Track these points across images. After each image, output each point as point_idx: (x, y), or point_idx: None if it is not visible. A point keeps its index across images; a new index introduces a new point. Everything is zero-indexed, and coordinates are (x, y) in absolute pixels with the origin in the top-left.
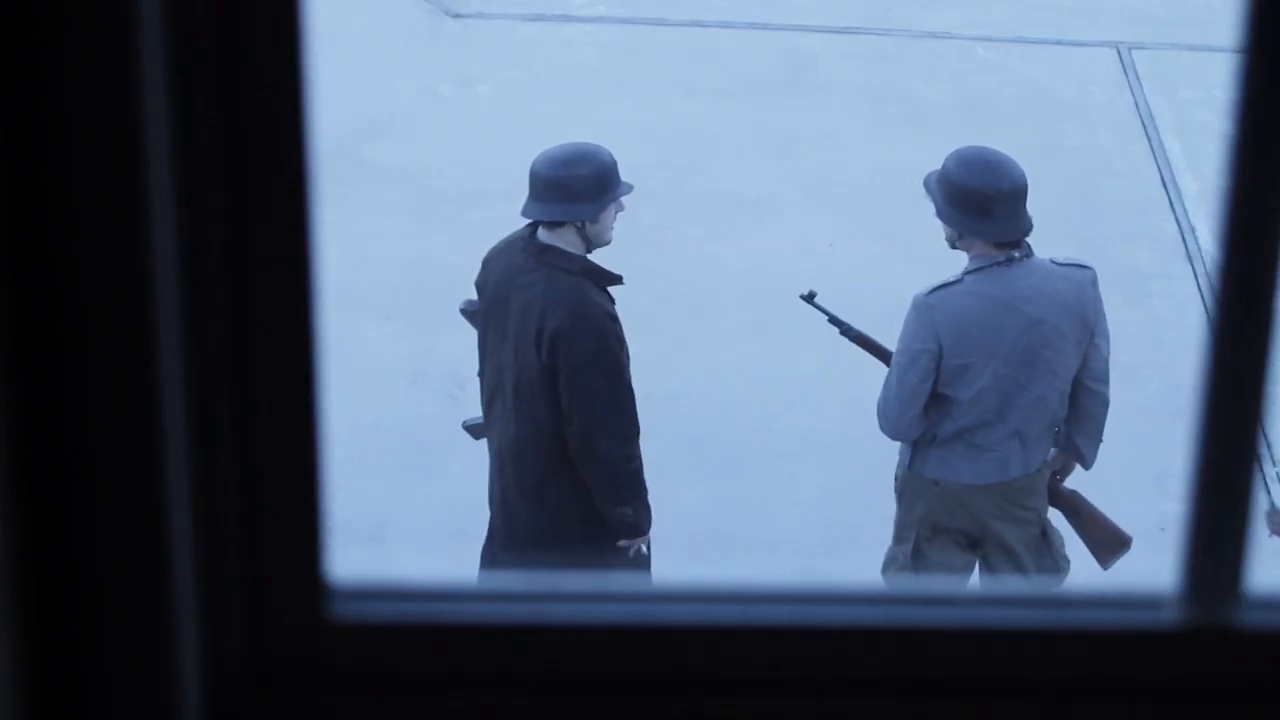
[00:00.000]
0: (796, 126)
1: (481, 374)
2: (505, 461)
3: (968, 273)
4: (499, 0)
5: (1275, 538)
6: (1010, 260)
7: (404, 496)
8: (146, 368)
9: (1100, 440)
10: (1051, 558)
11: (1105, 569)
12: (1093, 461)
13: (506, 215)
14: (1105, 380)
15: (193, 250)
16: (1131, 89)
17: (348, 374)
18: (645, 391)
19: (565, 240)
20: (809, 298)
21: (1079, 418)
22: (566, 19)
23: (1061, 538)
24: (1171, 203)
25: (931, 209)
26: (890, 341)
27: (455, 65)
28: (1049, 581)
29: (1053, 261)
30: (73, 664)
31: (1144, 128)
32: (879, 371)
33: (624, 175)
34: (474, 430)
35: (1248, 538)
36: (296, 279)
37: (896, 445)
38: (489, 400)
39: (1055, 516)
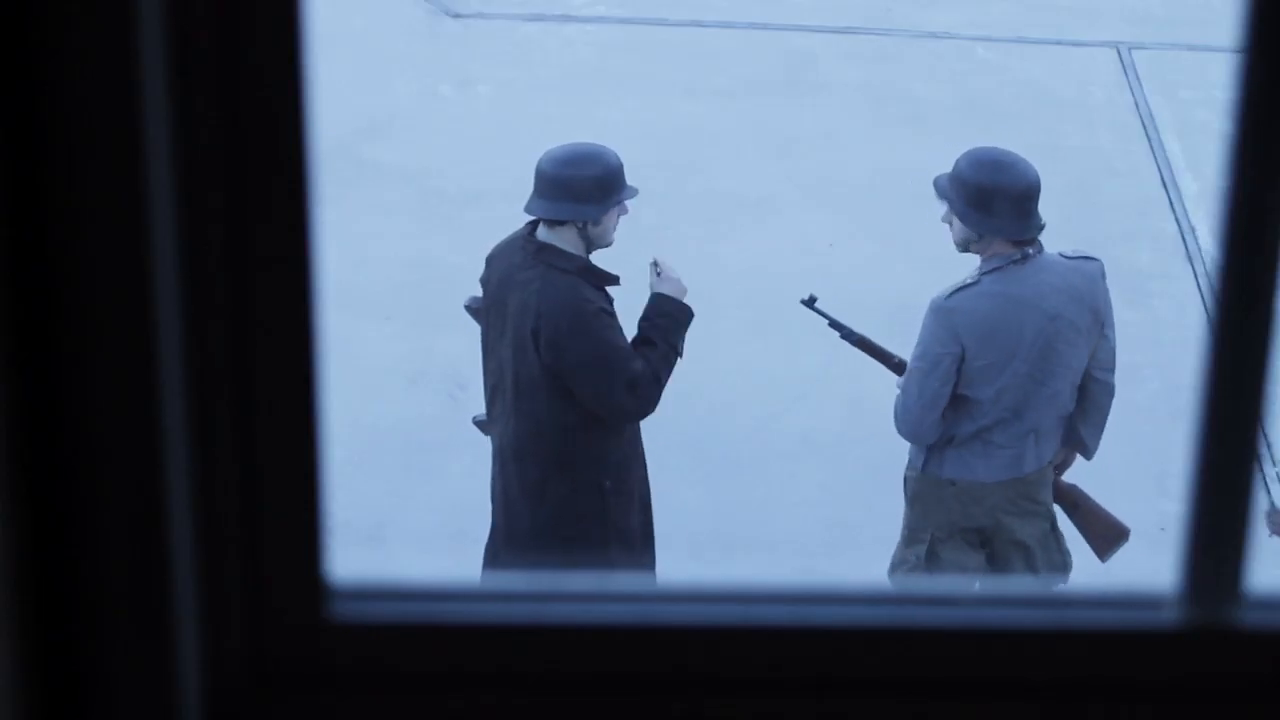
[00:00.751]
0: (796, 126)
1: (484, 373)
2: (506, 459)
3: (984, 273)
4: (499, 0)
5: (1275, 538)
6: (1025, 257)
7: (404, 496)
8: (146, 368)
9: (1103, 429)
10: (1060, 552)
11: (1104, 561)
12: (1095, 451)
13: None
14: (1112, 369)
15: (193, 250)
16: (1131, 89)
17: (348, 374)
18: None
19: (565, 239)
20: (809, 302)
21: (1085, 408)
22: (566, 19)
23: (1061, 533)
24: (1171, 203)
25: (936, 211)
26: (891, 344)
27: (455, 65)
28: (1052, 580)
29: (1061, 255)
30: (73, 664)
31: (1144, 128)
32: (879, 372)
33: (625, 175)
34: (483, 426)
35: (1248, 538)
36: (296, 279)
37: (896, 445)
38: (490, 398)
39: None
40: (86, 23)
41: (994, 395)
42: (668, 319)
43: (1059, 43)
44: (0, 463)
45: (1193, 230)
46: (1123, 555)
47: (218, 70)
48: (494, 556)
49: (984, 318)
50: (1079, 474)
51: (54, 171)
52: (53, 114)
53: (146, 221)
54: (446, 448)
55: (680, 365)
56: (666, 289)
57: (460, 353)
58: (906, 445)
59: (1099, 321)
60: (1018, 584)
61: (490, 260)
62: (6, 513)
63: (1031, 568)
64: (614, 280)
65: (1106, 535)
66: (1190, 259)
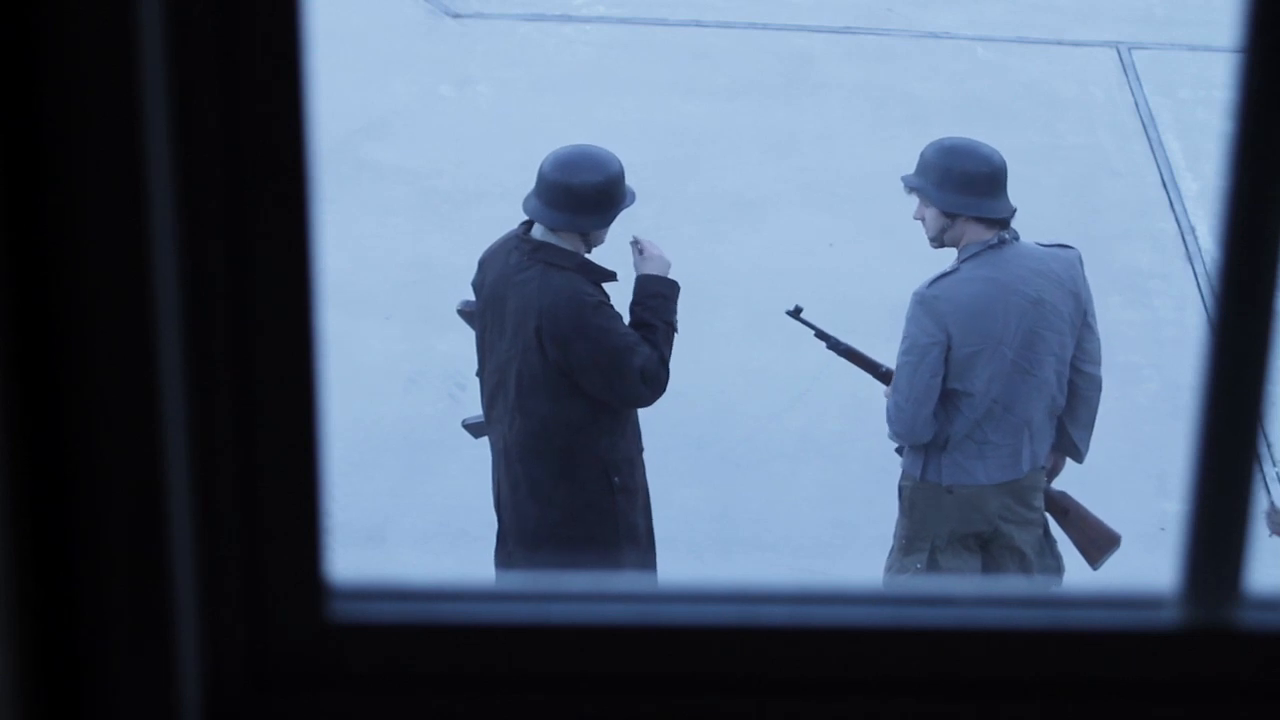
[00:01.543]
0: (796, 126)
1: (481, 374)
2: (511, 460)
3: (963, 260)
4: (499, 0)
5: (1275, 538)
6: (1002, 242)
7: (404, 496)
8: (146, 368)
9: (1092, 428)
10: (1053, 557)
11: (1095, 568)
12: (1085, 454)
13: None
14: (1099, 362)
15: (193, 250)
16: (1131, 89)
17: (348, 374)
18: None
19: (563, 237)
20: (795, 313)
21: (1073, 405)
22: (566, 19)
23: (1054, 538)
24: (1171, 203)
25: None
26: (891, 344)
27: (455, 65)
28: (1049, 581)
29: (1038, 244)
30: (73, 664)
31: (1144, 128)
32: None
33: (625, 181)
34: (474, 429)
35: (1248, 538)
36: (296, 279)
37: (893, 445)
38: (490, 399)
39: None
40: (86, 23)
41: (983, 386)
42: (659, 299)
43: (1059, 43)
44: (0, 463)
45: (1193, 230)
46: (1123, 555)
47: (218, 70)
48: (507, 559)
49: (967, 303)
50: (1079, 473)
51: (54, 172)
52: (53, 114)
53: (146, 222)
54: (446, 448)
55: (680, 365)
56: (651, 268)
57: (460, 353)
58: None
59: (1081, 309)
60: (1018, 584)
61: (483, 263)
62: (6, 513)
63: (1026, 572)
64: (611, 276)
65: (1098, 542)
66: (1190, 259)
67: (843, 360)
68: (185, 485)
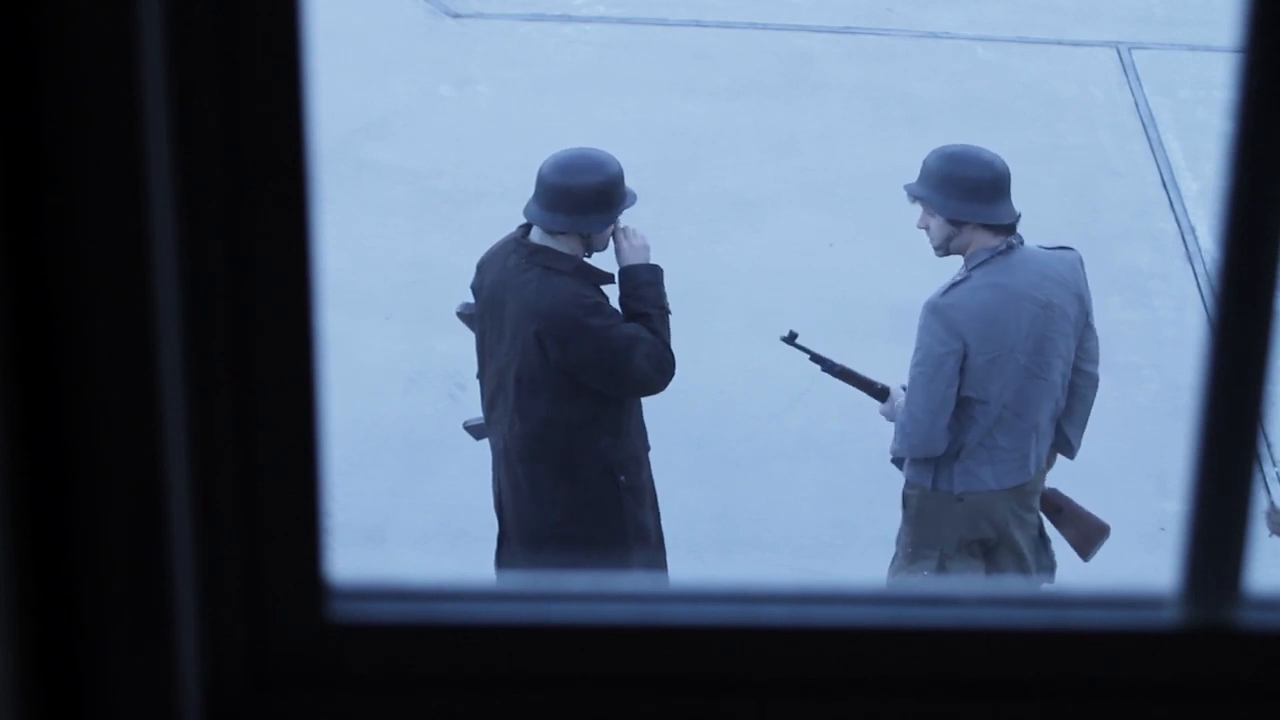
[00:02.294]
0: (796, 126)
1: (481, 377)
2: (511, 461)
3: (973, 268)
4: (499, 0)
5: (1275, 538)
6: (1010, 247)
7: (404, 496)
8: (146, 368)
9: (1086, 425)
10: (1047, 555)
11: (1087, 560)
12: (1078, 449)
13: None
14: (1098, 361)
15: (193, 250)
16: (1131, 89)
17: (348, 374)
18: None
19: (561, 241)
20: (790, 339)
21: (1071, 403)
22: (566, 19)
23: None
24: (1171, 203)
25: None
26: (891, 343)
27: (455, 65)
28: (1042, 580)
29: (1040, 247)
30: (73, 664)
31: (1144, 128)
32: (878, 371)
33: (624, 183)
34: (475, 431)
35: (1248, 538)
36: (296, 279)
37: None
38: (490, 402)
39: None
40: (86, 23)
41: (997, 393)
42: (647, 286)
43: (1059, 43)
44: (0, 463)
45: (1193, 230)
46: (1123, 555)
47: (218, 70)
48: (508, 561)
49: (982, 311)
50: (1080, 473)
51: (54, 172)
52: (53, 114)
53: (146, 222)
54: (446, 448)
55: (680, 365)
56: (632, 258)
57: (460, 353)
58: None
59: (1084, 310)
60: (1018, 584)
61: (481, 266)
62: (6, 513)
63: (1024, 572)
64: (609, 279)
65: (1090, 535)
66: (1190, 259)
67: (845, 361)
68: (185, 485)
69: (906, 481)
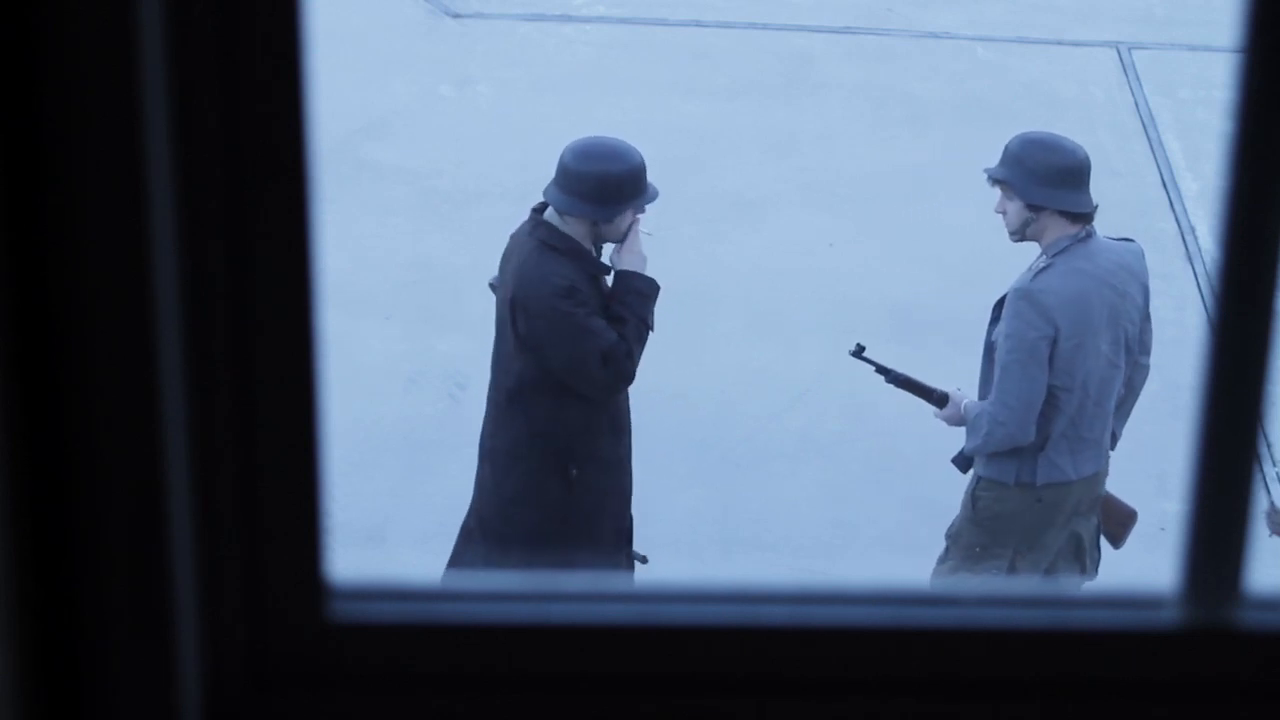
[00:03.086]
0: (796, 126)
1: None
2: (484, 432)
3: (1053, 256)
4: (499, 0)
5: (1275, 538)
6: (1088, 235)
7: (404, 496)
8: (146, 368)
9: (1129, 417)
10: (1098, 548)
11: (1119, 548)
12: (1119, 440)
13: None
14: (1150, 352)
15: (193, 250)
16: (1131, 89)
17: (348, 374)
18: (645, 391)
19: (569, 223)
20: (858, 353)
21: (1124, 394)
22: (566, 19)
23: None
24: (1171, 203)
25: (936, 210)
26: (890, 343)
27: (455, 65)
28: (1085, 577)
29: (1108, 238)
30: (73, 664)
31: (1144, 128)
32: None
33: (645, 178)
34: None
35: (1248, 538)
36: (296, 279)
37: (896, 445)
38: (487, 394)
39: None
40: (86, 23)
41: (1080, 381)
42: (637, 295)
43: (1059, 43)
44: (0, 463)
45: (1193, 230)
46: (1123, 555)
47: (218, 70)
48: (467, 534)
49: (1072, 296)
50: None
51: (54, 172)
52: (53, 114)
53: (146, 222)
54: (446, 448)
55: (680, 365)
56: (631, 264)
57: (460, 352)
58: (907, 445)
59: (1147, 301)
60: (1017, 584)
61: (507, 253)
62: (6, 513)
63: (1081, 563)
64: (605, 270)
65: (1124, 521)
66: (1190, 259)
67: (842, 361)
68: (185, 485)
69: (979, 480)
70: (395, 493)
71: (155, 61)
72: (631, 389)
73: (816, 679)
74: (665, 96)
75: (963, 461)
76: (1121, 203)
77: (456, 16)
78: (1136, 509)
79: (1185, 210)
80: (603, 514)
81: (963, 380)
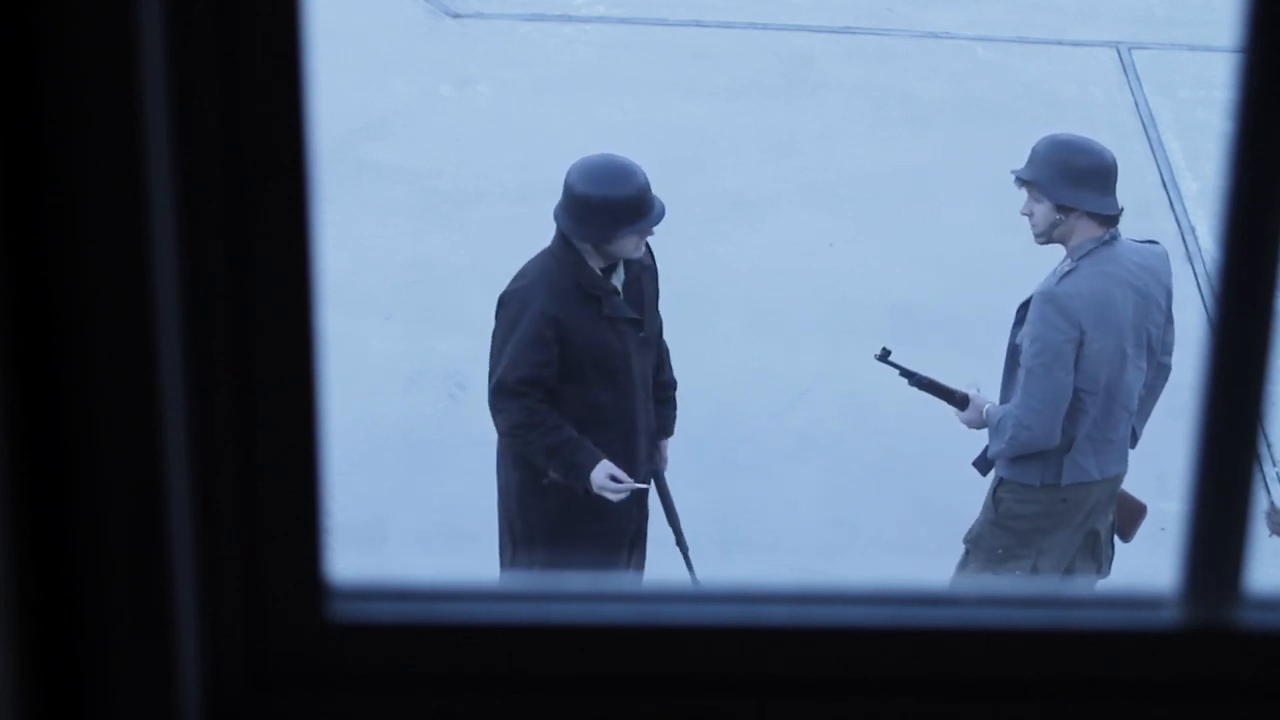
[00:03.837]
0: (796, 126)
1: None
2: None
3: (1079, 258)
4: (499, 0)
5: (1275, 538)
6: (1113, 238)
7: (404, 496)
8: (146, 368)
9: (1149, 416)
10: (1111, 544)
11: (1128, 541)
12: (1139, 439)
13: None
14: (1172, 352)
15: (193, 250)
16: (1131, 89)
17: (348, 374)
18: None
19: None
20: (883, 356)
21: (1144, 394)
22: (566, 19)
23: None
24: (1171, 203)
25: (937, 210)
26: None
27: (455, 65)
28: (1098, 575)
29: (1132, 240)
30: (73, 664)
31: (1144, 128)
32: (879, 371)
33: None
34: None
35: (1248, 538)
36: (296, 279)
37: (896, 445)
38: None
39: None
40: (86, 23)
41: (1105, 383)
42: (568, 467)
43: (1059, 43)
44: (0, 462)
45: (1193, 230)
46: (1123, 555)
47: (218, 70)
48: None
49: (1097, 299)
50: None
51: (54, 172)
52: (53, 114)
53: (146, 222)
54: (446, 448)
55: (680, 365)
56: (598, 476)
57: (460, 352)
58: (907, 445)
59: (1170, 303)
60: (1017, 584)
61: None
62: (6, 513)
63: (1097, 560)
64: (595, 290)
65: (1133, 516)
66: (1190, 259)
67: (842, 361)
68: (185, 485)
69: (1001, 481)
70: (395, 493)
71: (155, 61)
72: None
73: (816, 679)
74: (665, 96)
75: (983, 464)
76: (1122, 202)
77: (456, 16)
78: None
79: (1185, 210)
80: (585, 520)
81: (963, 379)
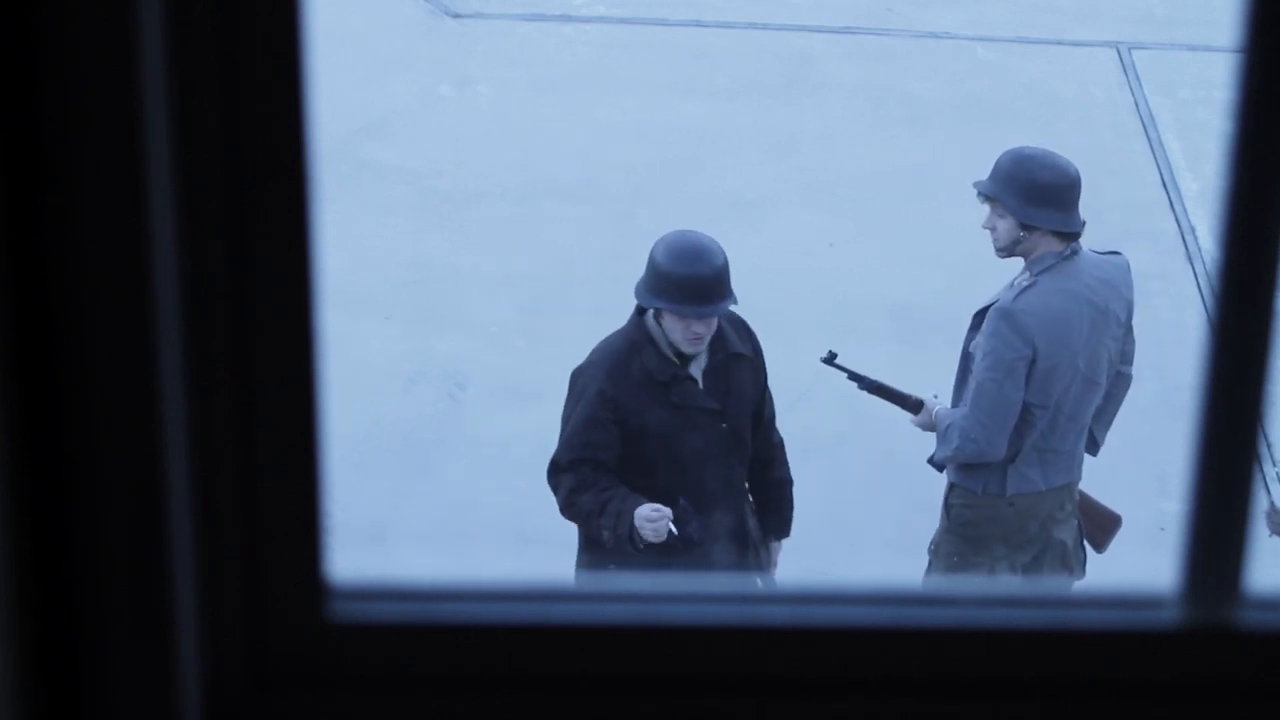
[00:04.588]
0: (796, 126)
1: None
2: None
3: (1038, 273)
4: (499, 0)
5: (1275, 538)
6: (1074, 253)
7: (404, 496)
8: (146, 368)
9: (1111, 424)
10: (1083, 549)
11: (1102, 552)
12: (1101, 446)
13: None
14: (1132, 362)
15: (193, 250)
16: (1131, 89)
17: (348, 374)
18: None
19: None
20: (829, 359)
21: (1103, 403)
22: (566, 19)
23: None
24: (1171, 203)
25: (937, 210)
26: (889, 342)
27: (455, 65)
28: (1073, 579)
29: (1093, 252)
30: (73, 664)
31: (1144, 128)
32: (878, 372)
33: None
34: None
35: (1248, 538)
36: (296, 279)
37: (897, 445)
38: None
39: None
40: (86, 23)
41: (1056, 398)
42: (620, 516)
43: (1059, 43)
44: (0, 463)
45: (1193, 230)
46: (1123, 555)
47: (218, 70)
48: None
49: (1053, 317)
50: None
51: (54, 172)
52: (53, 114)
53: (146, 222)
54: (446, 448)
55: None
56: (637, 516)
57: (460, 352)
58: (907, 445)
59: (1130, 314)
60: (1018, 584)
61: None
62: (6, 513)
63: (1067, 566)
64: (667, 378)
65: (1105, 526)
66: (1190, 259)
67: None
68: (185, 485)
69: (951, 486)
70: (395, 493)
71: (155, 61)
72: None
73: (816, 679)
74: (665, 96)
75: (938, 464)
76: (1121, 203)
77: (456, 16)
78: (1121, 514)
79: (1185, 210)
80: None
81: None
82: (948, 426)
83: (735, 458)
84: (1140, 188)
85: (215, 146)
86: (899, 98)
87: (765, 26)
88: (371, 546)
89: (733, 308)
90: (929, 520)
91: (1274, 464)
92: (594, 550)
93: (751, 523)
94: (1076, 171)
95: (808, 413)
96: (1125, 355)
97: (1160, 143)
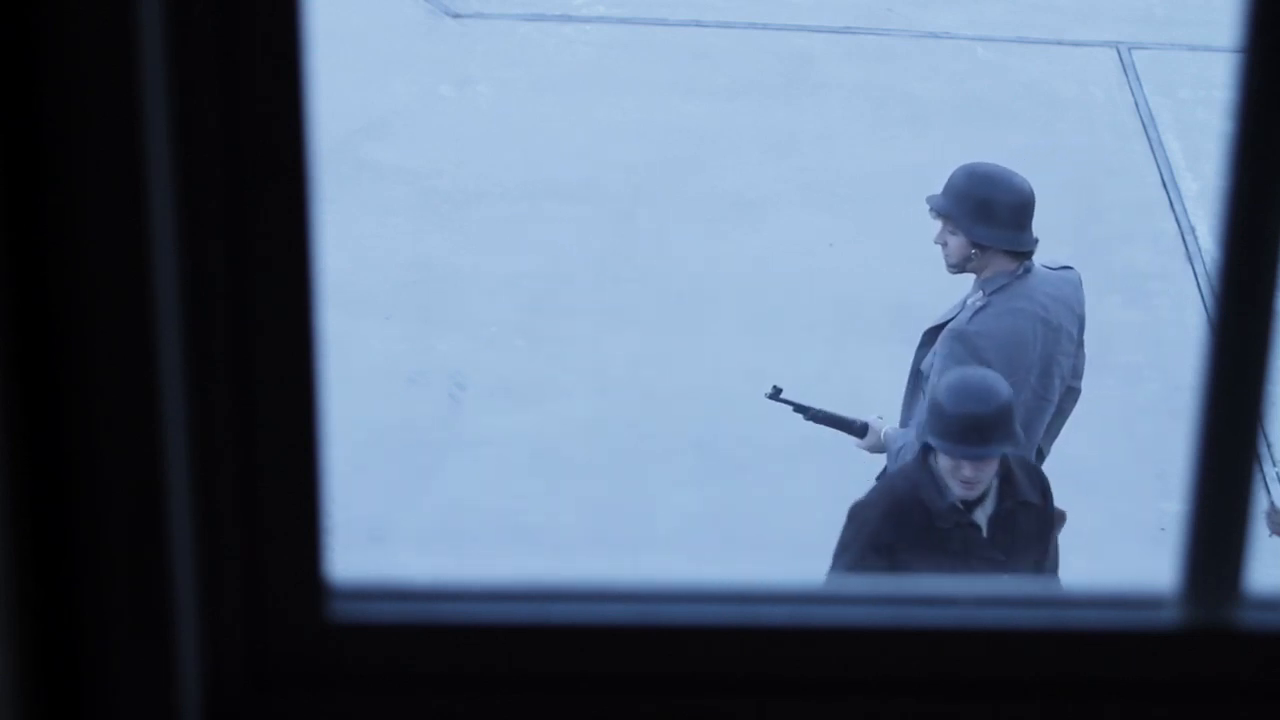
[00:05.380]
0: (796, 126)
1: None
2: None
3: (991, 293)
4: (499, 0)
5: (1275, 538)
6: (1027, 271)
7: (404, 496)
8: (146, 367)
9: (1057, 436)
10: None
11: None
12: (1046, 457)
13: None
14: (1081, 376)
15: (193, 250)
16: (1131, 89)
17: (348, 374)
18: (645, 391)
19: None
20: (774, 395)
21: (1052, 418)
22: (566, 19)
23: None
24: (1171, 203)
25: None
26: (889, 343)
27: (455, 65)
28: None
29: (1045, 267)
30: (73, 664)
31: (1144, 128)
32: (879, 371)
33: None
34: None
35: (1248, 538)
36: (296, 279)
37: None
38: None
39: None
40: (86, 23)
41: None
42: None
43: (1059, 43)
44: (0, 463)
45: (1193, 230)
46: (1123, 555)
47: (218, 70)
48: None
49: (1006, 339)
50: (1079, 471)
51: (54, 172)
52: (53, 114)
53: (146, 222)
54: (446, 448)
55: (681, 365)
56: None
57: (460, 353)
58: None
59: (1081, 330)
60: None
61: None
62: (6, 513)
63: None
64: (947, 525)
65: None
66: (1190, 259)
67: (843, 360)
68: (185, 485)
69: None
70: (395, 493)
71: (155, 61)
72: (631, 389)
73: (816, 679)
74: (665, 96)
75: None
76: (1121, 203)
77: (456, 16)
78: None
79: (1185, 210)
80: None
81: None
82: (901, 447)
83: None
84: (1140, 188)
85: (215, 146)
86: (899, 98)
87: (765, 26)
88: (371, 546)
89: (1009, 450)
90: None
91: (1274, 464)
92: None
93: None
94: (1030, 191)
95: None
96: (1076, 370)
97: (1160, 143)
